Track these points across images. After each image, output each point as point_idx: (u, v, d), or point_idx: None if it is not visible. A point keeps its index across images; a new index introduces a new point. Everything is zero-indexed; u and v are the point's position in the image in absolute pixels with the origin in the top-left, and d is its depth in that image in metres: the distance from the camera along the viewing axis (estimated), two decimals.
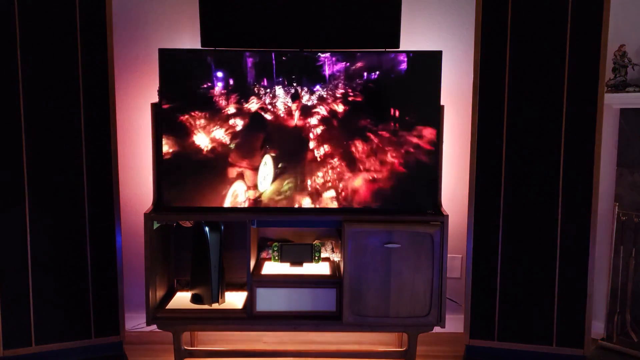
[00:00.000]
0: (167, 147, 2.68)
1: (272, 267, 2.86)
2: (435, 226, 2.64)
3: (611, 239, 3.04)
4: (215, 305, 2.77)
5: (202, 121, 2.66)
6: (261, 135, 2.69)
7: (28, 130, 2.66)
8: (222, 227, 2.78)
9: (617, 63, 2.92)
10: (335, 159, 2.71)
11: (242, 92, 2.65)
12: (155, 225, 2.70)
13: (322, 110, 2.68)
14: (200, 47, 2.75)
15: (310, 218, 2.79)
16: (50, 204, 2.72)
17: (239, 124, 2.68)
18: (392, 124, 2.69)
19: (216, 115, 2.66)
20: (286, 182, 2.73)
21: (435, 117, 2.69)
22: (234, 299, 2.86)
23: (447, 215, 2.67)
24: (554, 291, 2.78)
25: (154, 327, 2.76)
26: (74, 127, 2.73)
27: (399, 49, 2.74)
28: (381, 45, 2.74)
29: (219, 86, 2.65)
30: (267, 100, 2.67)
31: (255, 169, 2.72)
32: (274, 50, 2.65)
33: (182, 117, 2.66)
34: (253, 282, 2.71)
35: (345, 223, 2.65)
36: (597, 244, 2.75)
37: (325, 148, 2.71)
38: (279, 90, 2.66)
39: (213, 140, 2.68)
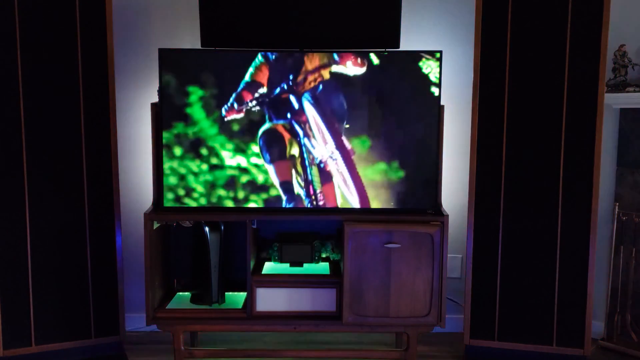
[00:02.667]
0: (168, 148, 2.69)
1: (272, 267, 2.86)
2: (435, 226, 2.63)
3: (611, 239, 3.05)
4: (215, 305, 2.77)
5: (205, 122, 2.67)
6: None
7: (28, 130, 2.66)
8: (222, 227, 2.78)
9: (617, 63, 2.92)
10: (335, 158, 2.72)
11: (234, 94, 2.66)
12: (155, 225, 2.70)
13: (314, 112, 2.68)
14: (200, 47, 2.75)
15: (311, 218, 2.80)
16: (50, 203, 2.72)
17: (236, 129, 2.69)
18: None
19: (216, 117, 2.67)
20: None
21: (434, 117, 2.69)
22: (234, 299, 2.86)
23: (447, 215, 2.67)
24: (554, 291, 2.78)
25: (154, 327, 2.76)
26: (74, 127, 2.73)
27: (399, 49, 2.74)
28: (381, 46, 2.74)
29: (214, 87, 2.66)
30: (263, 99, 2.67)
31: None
32: (270, 51, 2.65)
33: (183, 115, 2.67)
34: (253, 282, 2.71)
35: (345, 223, 2.64)
36: (597, 244, 2.76)
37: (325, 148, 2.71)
38: (276, 89, 2.66)
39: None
